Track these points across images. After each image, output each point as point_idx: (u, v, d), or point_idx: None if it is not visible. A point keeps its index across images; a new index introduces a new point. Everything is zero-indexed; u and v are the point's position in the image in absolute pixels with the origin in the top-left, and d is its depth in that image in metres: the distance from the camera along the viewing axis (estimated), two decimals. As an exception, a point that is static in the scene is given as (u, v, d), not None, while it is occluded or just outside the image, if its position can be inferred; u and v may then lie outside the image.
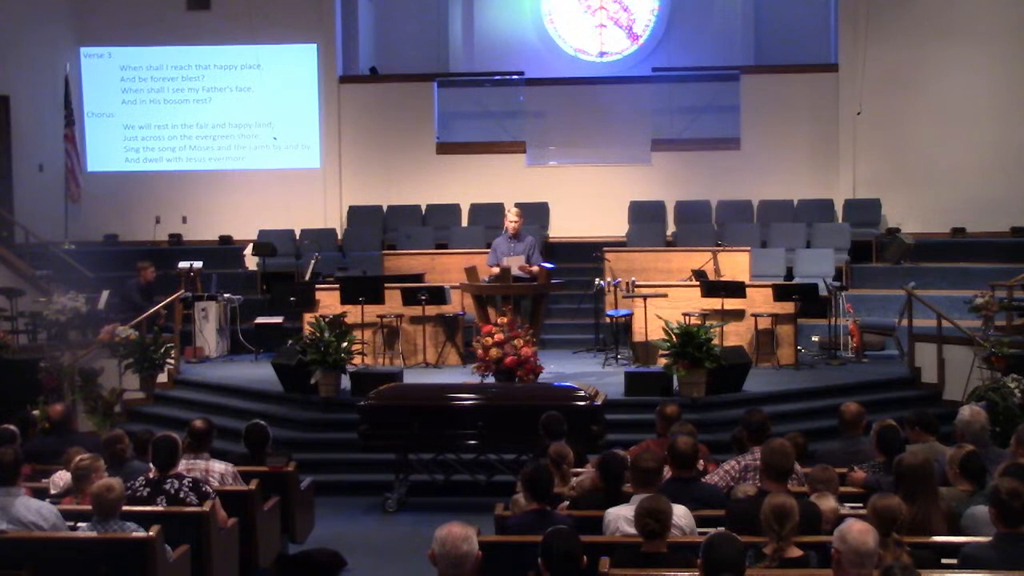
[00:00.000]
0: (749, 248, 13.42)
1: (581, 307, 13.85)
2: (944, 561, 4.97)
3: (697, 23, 18.32)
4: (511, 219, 11.74)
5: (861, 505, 5.54)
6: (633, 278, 12.46)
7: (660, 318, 11.04)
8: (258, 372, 12.12)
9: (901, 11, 16.08)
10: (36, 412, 9.39)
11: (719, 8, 18.10)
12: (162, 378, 11.98)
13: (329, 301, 12.58)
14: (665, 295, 12.01)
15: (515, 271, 11.26)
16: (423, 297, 12.34)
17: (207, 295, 13.80)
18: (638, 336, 12.16)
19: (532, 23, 18.68)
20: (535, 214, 15.58)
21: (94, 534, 5.50)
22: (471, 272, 11.40)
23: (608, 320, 13.01)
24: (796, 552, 4.69)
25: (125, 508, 5.64)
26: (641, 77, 17.45)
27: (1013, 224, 15.50)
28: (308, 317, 12.32)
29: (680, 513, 5.28)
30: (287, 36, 16.95)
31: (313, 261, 14.25)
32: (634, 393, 10.42)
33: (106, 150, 17.30)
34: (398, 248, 15.50)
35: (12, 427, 7.32)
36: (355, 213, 16.74)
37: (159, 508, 6.07)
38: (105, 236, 16.82)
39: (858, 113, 15.93)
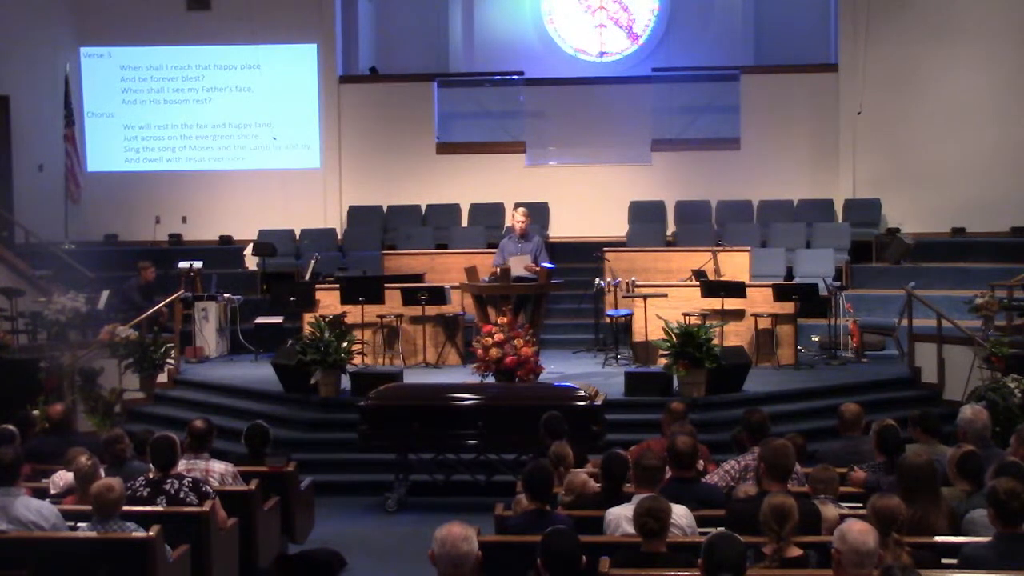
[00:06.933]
0: (749, 248, 13.43)
1: (581, 307, 13.84)
2: (944, 561, 4.97)
3: (697, 23, 18.32)
4: (518, 219, 11.78)
5: (861, 505, 5.54)
6: (633, 278, 12.45)
7: (660, 318, 11.04)
8: (258, 372, 12.11)
9: (901, 11, 16.08)
10: (36, 412, 9.38)
11: (719, 8, 18.09)
12: (162, 378, 11.98)
13: (329, 301, 12.59)
14: (665, 295, 12.01)
15: (521, 271, 11.26)
16: (423, 297, 12.34)
17: (207, 295, 13.80)
18: (638, 336, 12.16)
19: (532, 23, 18.67)
20: (535, 214, 15.51)
21: (94, 534, 5.50)
22: (471, 272, 11.41)
23: (608, 320, 13.00)
24: (796, 552, 4.69)
25: (125, 508, 5.64)
26: (641, 77, 17.43)
27: (1013, 224, 15.49)
28: (308, 317, 12.32)
29: (680, 513, 5.28)
30: (287, 36, 16.95)
31: (313, 261, 14.25)
32: (634, 393, 10.42)
33: (106, 150, 17.30)
34: (398, 248, 15.51)
35: (12, 427, 7.32)
36: (355, 213, 16.74)
37: (159, 508, 6.07)
38: (105, 236, 16.83)
39: (858, 113, 15.94)
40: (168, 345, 11.97)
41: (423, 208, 16.67)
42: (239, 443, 7.88)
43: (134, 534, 5.51)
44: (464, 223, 16.41)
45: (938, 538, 5.17)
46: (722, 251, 13.11)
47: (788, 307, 12.11)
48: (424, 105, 17.01)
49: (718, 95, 16.93)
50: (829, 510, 5.51)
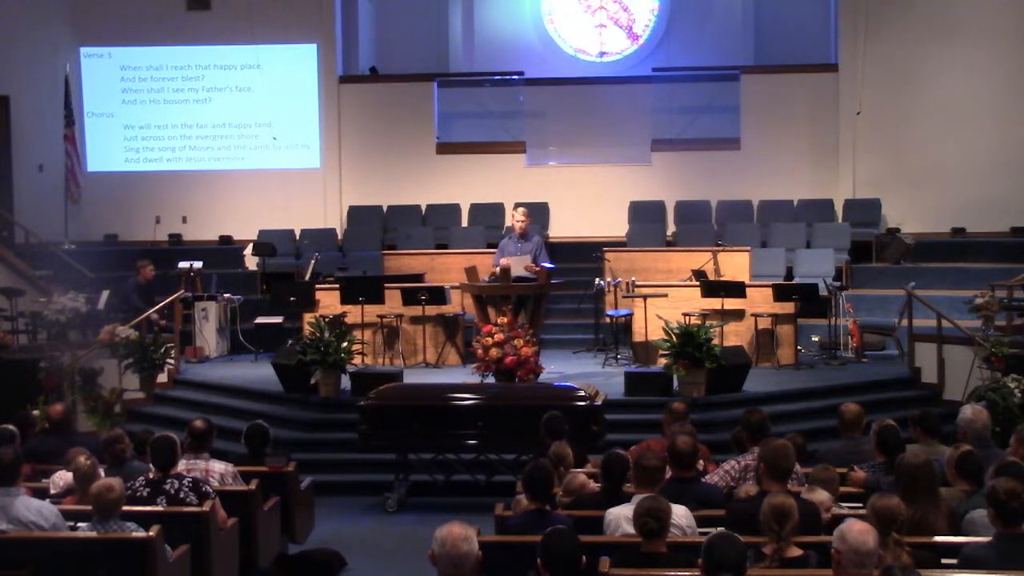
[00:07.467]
0: (749, 248, 13.42)
1: (581, 307, 13.84)
2: (944, 561, 4.97)
3: (697, 23, 18.33)
4: (518, 219, 11.78)
5: (861, 505, 5.54)
6: (633, 278, 12.45)
7: (660, 318, 11.04)
8: (258, 372, 12.11)
9: (901, 11, 16.08)
10: (36, 412, 9.38)
11: (719, 8, 18.09)
12: (162, 378, 11.98)
13: (329, 301, 12.59)
14: (665, 295, 12.01)
15: (521, 271, 11.26)
16: (423, 297, 12.34)
17: (207, 295, 13.80)
18: (638, 336, 12.16)
19: (532, 23, 18.68)
20: (535, 214, 15.50)
21: (94, 534, 5.50)
22: (471, 272, 11.41)
23: (608, 320, 13.00)
24: (796, 552, 4.69)
25: (125, 508, 5.64)
26: (641, 77, 17.43)
27: (1013, 224, 15.49)
28: (308, 317, 12.33)
29: (680, 513, 5.28)
30: (287, 36, 16.95)
31: (313, 261, 14.24)
32: (634, 393, 10.42)
33: (106, 150, 17.29)
34: (398, 248, 15.51)
35: (12, 427, 7.32)
36: (355, 213, 16.74)
37: (159, 508, 6.07)
38: (105, 236, 16.83)
39: (858, 113, 15.94)
40: (168, 345, 11.97)
41: (423, 208, 16.67)
42: (239, 443, 7.88)
43: (134, 534, 5.51)
44: (464, 223, 16.41)
45: (938, 538, 5.17)
46: (722, 251, 13.10)
47: (788, 307, 12.11)
48: (424, 105, 17.01)
49: (718, 95, 16.93)
50: (818, 495, 5.54)
